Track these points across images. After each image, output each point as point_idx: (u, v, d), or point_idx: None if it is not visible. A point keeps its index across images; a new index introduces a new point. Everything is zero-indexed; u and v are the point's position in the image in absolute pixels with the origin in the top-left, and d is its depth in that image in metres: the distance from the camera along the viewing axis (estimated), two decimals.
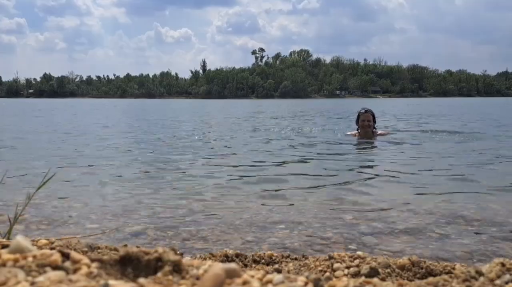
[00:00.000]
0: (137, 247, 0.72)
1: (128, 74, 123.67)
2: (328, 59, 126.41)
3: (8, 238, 1.24)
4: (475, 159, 4.30)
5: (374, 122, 6.00)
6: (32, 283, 0.56)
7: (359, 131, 6.04)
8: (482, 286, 0.75)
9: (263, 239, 1.89)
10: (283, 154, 4.76)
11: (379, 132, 6.18)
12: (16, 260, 0.62)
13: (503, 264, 0.82)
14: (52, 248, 1.01)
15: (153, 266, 0.66)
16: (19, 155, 4.77)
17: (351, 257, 1.14)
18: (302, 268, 1.18)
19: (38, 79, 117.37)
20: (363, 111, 5.97)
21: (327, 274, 1.09)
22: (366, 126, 5.88)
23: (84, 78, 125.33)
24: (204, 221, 2.16)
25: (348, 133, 6.54)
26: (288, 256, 1.35)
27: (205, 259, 1.34)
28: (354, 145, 5.61)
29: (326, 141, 6.07)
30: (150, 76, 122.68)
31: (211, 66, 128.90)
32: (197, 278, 0.63)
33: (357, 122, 6.09)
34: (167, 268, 0.65)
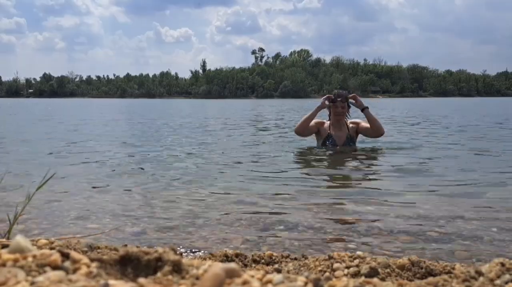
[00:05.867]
0: (137, 247, 0.72)
1: (128, 74, 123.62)
2: (328, 59, 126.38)
3: (8, 238, 1.24)
4: (477, 158, 4.30)
5: (349, 107, 4.74)
6: (32, 283, 0.56)
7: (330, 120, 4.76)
8: (482, 286, 0.75)
9: (263, 239, 1.89)
10: (282, 154, 4.76)
11: (354, 121, 4.84)
12: (16, 260, 0.62)
13: (503, 264, 0.82)
14: (52, 248, 1.01)
15: (153, 266, 0.67)
16: (20, 154, 4.77)
17: (351, 257, 1.14)
18: (302, 268, 1.18)
19: (38, 79, 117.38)
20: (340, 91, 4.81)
21: (327, 274, 1.09)
22: (341, 113, 4.66)
23: (84, 78, 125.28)
24: (204, 221, 2.16)
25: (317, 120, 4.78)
26: (288, 256, 1.36)
27: (205, 259, 1.34)
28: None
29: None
30: (150, 76, 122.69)
31: (211, 66, 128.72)
32: (197, 278, 0.63)
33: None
34: (167, 268, 0.65)
